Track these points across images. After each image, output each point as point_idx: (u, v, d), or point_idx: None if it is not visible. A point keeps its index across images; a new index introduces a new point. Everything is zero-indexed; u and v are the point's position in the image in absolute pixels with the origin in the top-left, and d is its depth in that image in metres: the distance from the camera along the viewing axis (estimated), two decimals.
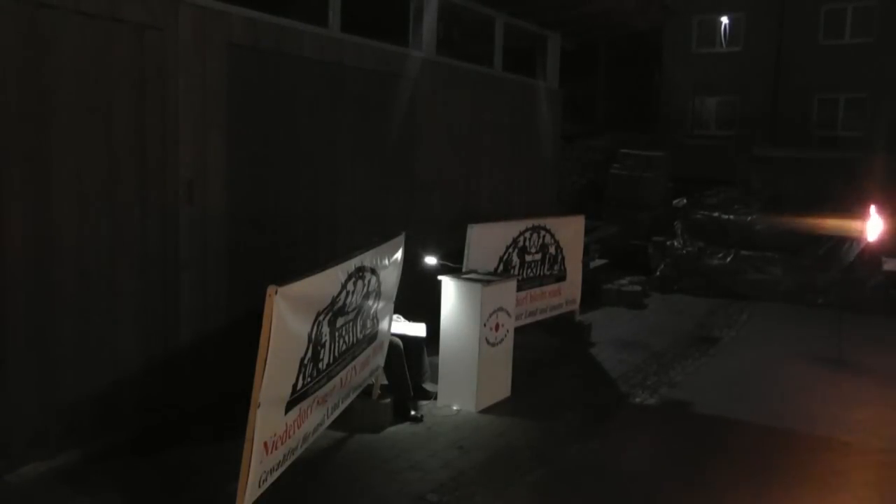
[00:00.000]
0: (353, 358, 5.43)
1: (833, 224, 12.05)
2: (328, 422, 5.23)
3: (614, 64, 24.72)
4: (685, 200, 14.38)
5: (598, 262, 12.56)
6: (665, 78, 22.61)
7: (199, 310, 6.09)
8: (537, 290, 8.54)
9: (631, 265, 13.24)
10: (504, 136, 10.45)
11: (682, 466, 5.68)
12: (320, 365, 4.75)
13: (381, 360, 6.21)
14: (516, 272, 8.03)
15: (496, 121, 10.20)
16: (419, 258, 7.22)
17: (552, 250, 8.77)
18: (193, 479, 5.00)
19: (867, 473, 5.68)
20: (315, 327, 4.54)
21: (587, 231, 10.03)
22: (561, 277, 8.96)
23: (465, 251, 7.30)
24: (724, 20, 21.22)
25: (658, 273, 12.98)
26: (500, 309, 6.73)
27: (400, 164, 8.40)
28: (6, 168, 4.75)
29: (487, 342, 6.58)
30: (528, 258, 8.35)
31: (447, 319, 6.63)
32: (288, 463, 4.48)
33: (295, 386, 4.39)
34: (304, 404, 4.57)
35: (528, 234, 8.32)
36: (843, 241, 11.94)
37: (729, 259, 12.61)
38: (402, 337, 6.62)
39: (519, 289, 7.56)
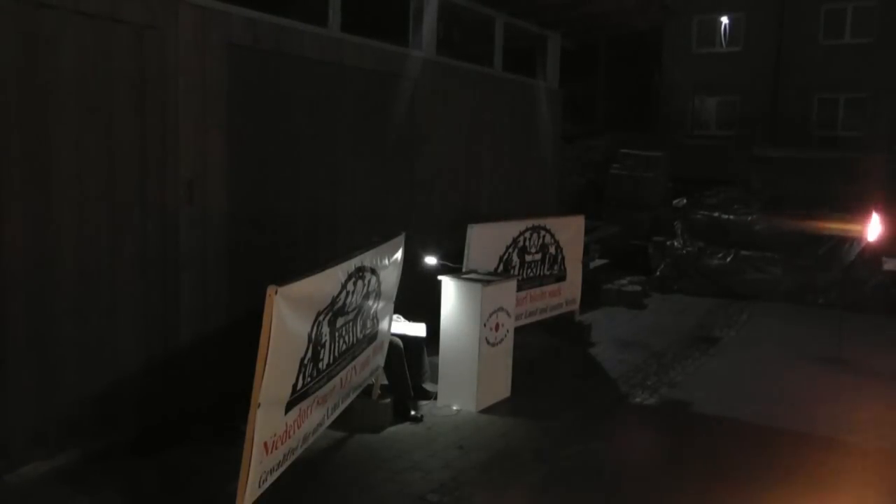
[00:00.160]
0: (353, 358, 5.43)
1: (833, 224, 12.05)
2: (328, 422, 5.23)
3: (614, 64, 24.70)
4: (685, 200, 14.37)
5: (598, 262, 12.56)
6: (665, 78, 22.60)
7: (199, 310, 6.09)
8: (537, 290, 8.54)
9: (631, 265, 13.23)
10: (504, 136, 10.44)
11: (682, 466, 5.68)
12: (320, 365, 4.75)
13: (381, 360, 6.21)
14: (516, 272, 8.03)
15: (496, 121, 10.20)
16: (419, 258, 7.22)
17: (552, 250, 8.77)
18: (193, 479, 5.00)
19: (868, 473, 5.68)
20: (315, 327, 4.54)
21: (587, 231, 10.03)
22: (561, 277, 8.96)
23: (465, 251, 7.31)
24: (724, 20, 21.21)
25: (658, 273, 12.98)
26: (500, 309, 6.73)
27: (400, 164, 8.40)
28: (6, 168, 4.75)
29: (487, 342, 6.58)
30: (528, 258, 8.35)
31: (447, 319, 6.63)
32: (288, 463, 4.48)
33: (295, 386, 4.39)
34: (304, 404, 4.57)
35: (528, 234, 8.33)
36: (844, 241, 11.94)
37: (729, 259, 12.61)
38: (402, 337, 6.62)
39: (519, 289, 7.56)
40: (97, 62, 5.22)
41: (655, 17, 13.35)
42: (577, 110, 20.22)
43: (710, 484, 5.35)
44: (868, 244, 10.65)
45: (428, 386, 6.90)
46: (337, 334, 4.99)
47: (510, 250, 8.06)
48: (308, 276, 4.32)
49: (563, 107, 12.18)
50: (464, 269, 7.09)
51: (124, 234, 5.50)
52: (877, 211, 9.63)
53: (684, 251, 13.02)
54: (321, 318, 4.62)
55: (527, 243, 8.31)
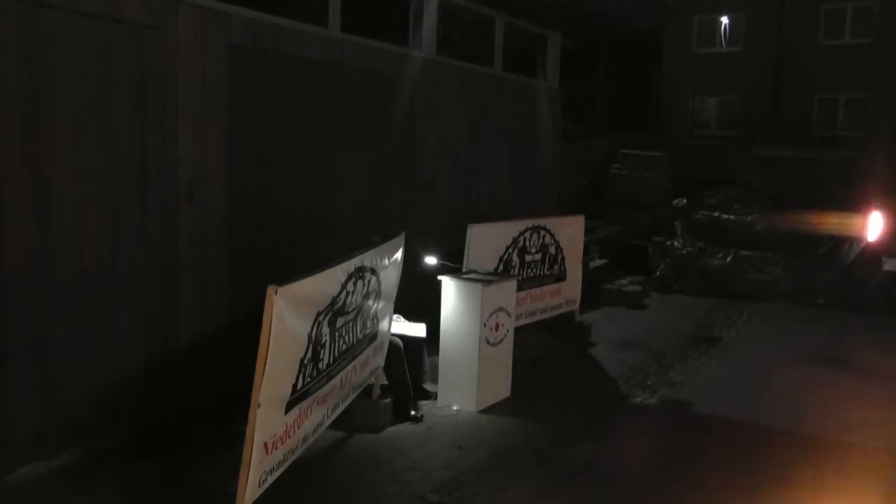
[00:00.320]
0: (353, 358, 5.43)
1: (833, 224, 12.03)
2: (328, 422, 5.23)
3: (614, 64, 24.70)
4: (685, 200, 14.37)
5: (598, 262, 12.55)
6: (665, 78, 22.60)
7: (199, 310, 6.09)
8: (537, 290, 8.54)
9: (631, 265, 13.23)
10: (504, 136, 10.45)
11: (682, 466, 5.68)
12: (320, 365, 4.75)
13: (381, 360, 6.21)
14: (516, 272, 8.03)
15: (496, 121, 10.20)
16: (419, 258, 7.22)
17: (552, 250, 8.77)
18: (193, 479, 5.00)
19: (867, 473, 5.67)
20: (315, 327, 4.54)
21: (587, 231, 10.02)
22: (561, 277, 8.96)
23: (465, 251, 7.30)
24: (724, 20, 21.20)
25: (658, 273, 12.98)
26: (500, 309, 6.73)
27: (400, 164, 8.40)
28: (6, 168, 4.75)
29: (487, 342, 6.58)
30: (528, 258, 8.35)
31: (447, 319, 6.63)
32: (288, 463, 4.48)
33: (295, 386, 4.39)
34: (304, 404, 4.57)
35: (528, 234, 8.33)
36: (843, 241, 11.93)
37: (729, 259, 12.61)
38: (402, 337, 6.62)
39: (519, 289, 7.56)
40: (97, 62, 5.22)
41: (655, 17, 13.36)
42: (577, 110, 20.22)
43: (711, 484, 5.35)
44: (868, 244, 10.66)
45: (428, 386, 6.90)
46: (337, 334, 4.99)
47: (510, 250, 8.06)
48: (308, 276, 4.32)
49: (563, 107, 12.18)
50: (464, 269, 7.09)
51: (124, 234, 5.50)
52: (877, 211, 9.63)
53: (684, 251, 13.02)
54: (321, 318, 4.62)
55: (527, 243, 8.31)
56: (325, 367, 4.83)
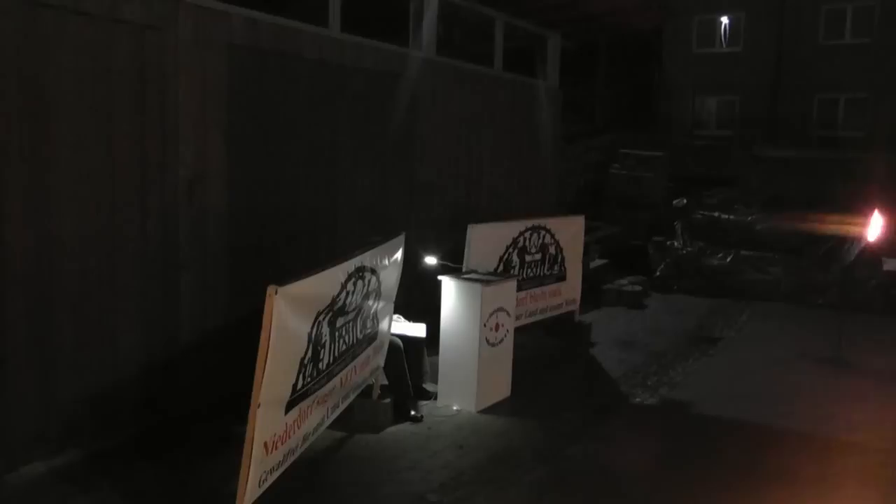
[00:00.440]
0: (353, 358, 5.43)
1: (833, 224, 12.03)
2: (328, 422, 5.23)
3: (614, 64, 24.69)
4: (685, 200, 14.38)
5: (598, 262, 12.56)
6: (665, 78, 22.59)
7: (199, 310, 6.09)
8: (537, 291, 8.54)
9: (631, 265, 13.23)
10: (504, 136, 10.44)
11: (682, 466, 5.68)
12: (320, 365, 4.75)
13: (381, 360, 6.21)
14: (516, 272, 8.03)
15: (496, 121, 10.20)
16: (419, 258, 7.22)
17: (552, 250, 8.77)
18: (193, 479, 5.00)
19: (867, 473, 5.67)
20: (315, 327, 4.54)
21: (587, 231, 10.02)
22: (561, 277, 8.96)
23: (465, 251, 7.30)
24: (724, 20, 21.21)
25: (658, 273, 12.98)
26: (500, 309, 6.73)
27: (400, 164, 8.40)
28: (6, 168, 4.75)
29: (487, 342, 6.58)
30: (528, 258, 8.35)
31: (447, 319, 6.63)
32: (288, 463, 4.48)
33: (295, 386, 4.39)
34: (304, 404, 4.57)
35: (528, 234, 8.32)
36: (843, 241, 11.92)
37: (729, 259, 12.61)
38: (402, 337, 6.62)
39: (519, 289, 7.56)
40: (97, 62, 5.22)
41: (655, 17, 13.38)
42: (577, 110, 20.21)
43: (711, 483, 5.35)
44: (868, 244, 10.65)
45: (428, 386, 6.90)
46: (337, 334, 4.99)
47: (510, 250, 8.05)
48: (308, 276, 4.32)
49: (563, 107, 12.18)
50: (464, 269, 7.09)
51: (124, 233, 5.50)
52: (877, 211, 9.63)
53: (684, 251, 13.02)
54: (321, 317, 4.62)
55: (527, 243, 8.31)
56: (325, 367, 4.83)
